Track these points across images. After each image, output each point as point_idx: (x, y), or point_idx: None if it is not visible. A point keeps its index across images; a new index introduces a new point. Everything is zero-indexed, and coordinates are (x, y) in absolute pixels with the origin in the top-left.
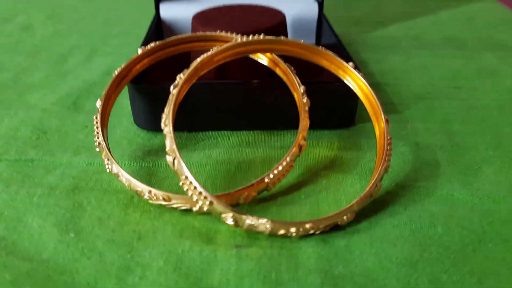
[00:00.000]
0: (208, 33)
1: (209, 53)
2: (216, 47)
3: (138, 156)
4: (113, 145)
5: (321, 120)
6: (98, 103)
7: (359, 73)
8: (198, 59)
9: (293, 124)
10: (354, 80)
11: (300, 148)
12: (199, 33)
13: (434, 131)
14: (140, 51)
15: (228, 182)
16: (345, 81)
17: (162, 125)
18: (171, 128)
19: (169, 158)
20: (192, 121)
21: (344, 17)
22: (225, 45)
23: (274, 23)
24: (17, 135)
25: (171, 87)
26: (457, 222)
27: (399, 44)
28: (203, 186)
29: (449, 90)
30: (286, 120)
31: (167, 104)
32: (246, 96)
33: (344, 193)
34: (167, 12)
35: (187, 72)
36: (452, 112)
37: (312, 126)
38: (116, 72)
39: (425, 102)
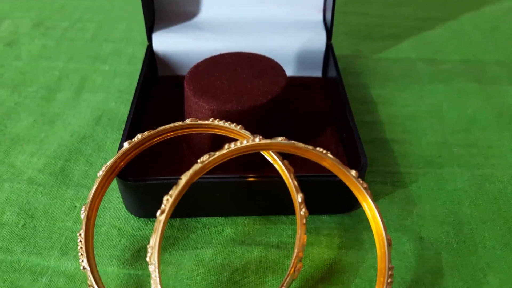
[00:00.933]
0: (200, 121)
1: (199, 165)
2: (207, 157)
3: (127, 260)
4: (101, 238)
5: (321, 207)
6: (82, 213)
7: (362, 185)
8: (187, 176)
9: (290, 211)
10: (357, 191)
11: (296, 270)
12: (189, 122)
13: (441, 218)
14: (126, 145)
15: None
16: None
17: (148, 259)
18: (157, 267)
19: None
20: (185, 208)
21: (356, 24)
22: (217, 154)
23: (274, 94)
24: (3, 219)
25: (158, 213)
26: None
27: (412, 71)
28: None
29: (462, 151)
30: (283, 207)
31: (153, 234)
32: (242, 188)
33: None
34: (160, 43)
35: (175, 191)
36: (463, 188)
37: (312, 212)
38: (100, 173)
39: (435, 172)
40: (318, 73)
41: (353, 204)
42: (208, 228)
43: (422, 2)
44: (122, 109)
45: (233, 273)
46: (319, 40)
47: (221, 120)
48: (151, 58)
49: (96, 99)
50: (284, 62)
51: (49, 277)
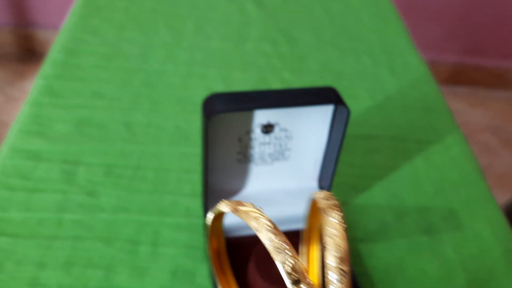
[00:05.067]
0: None
1: None
2: None
3: None
4: None
5: None
6: None
7: None
8: None
9: None
10: None
11: None
12: None
13: None
14: None
15: None
16: None
17: None
18: None
19: None
20: None
21: (344, 175)
22: None
23: None
24: None
25: None
26: None
27: (384, 225)
28: None
29: None
30: None
31: None
32: None
33: None
34: None
35: None
36: None
37: None
38: None
39: None
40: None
41: None
42: None
43: (392, 152)
44: (190, 263)
45: None
46: None
47: None
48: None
49: (169, 253)
50: (294, 221)
51: None
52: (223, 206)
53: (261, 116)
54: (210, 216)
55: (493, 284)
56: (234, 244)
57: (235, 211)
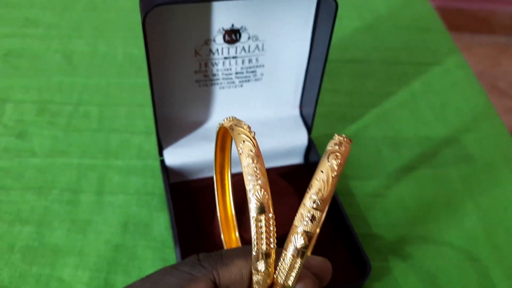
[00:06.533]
0: None
1: None
2: None
3: None
4: None
5: None
6: None
7: None
8: None
9: None
10: None
11: None
12: None
13: None
14: None
15: None
16: None
17: None
18: None
19: None
20: None
21: (329, 104)
22: None
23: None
24: None
25: None
26: None
27: (379, 157)
28: None
29: (417, 246)
30: None
31: None
32: None
33: None
34: (171, 159)
35: None
36: (429, 270)
37: None
38: None
39: (401, 265)
40: (301, 159)
41: None
42: None
43: (386, 76)
44: (144, 213)
45: None
46: (301, 136)
47: None
48: (165, 170)
49: (118, 202)
50: (273, 157)
51: None
52: (225, 121)
53: (222, 17)
54: (216, 129)
55: (508, 222)
56: (199, 187)
57: (231, 128)
